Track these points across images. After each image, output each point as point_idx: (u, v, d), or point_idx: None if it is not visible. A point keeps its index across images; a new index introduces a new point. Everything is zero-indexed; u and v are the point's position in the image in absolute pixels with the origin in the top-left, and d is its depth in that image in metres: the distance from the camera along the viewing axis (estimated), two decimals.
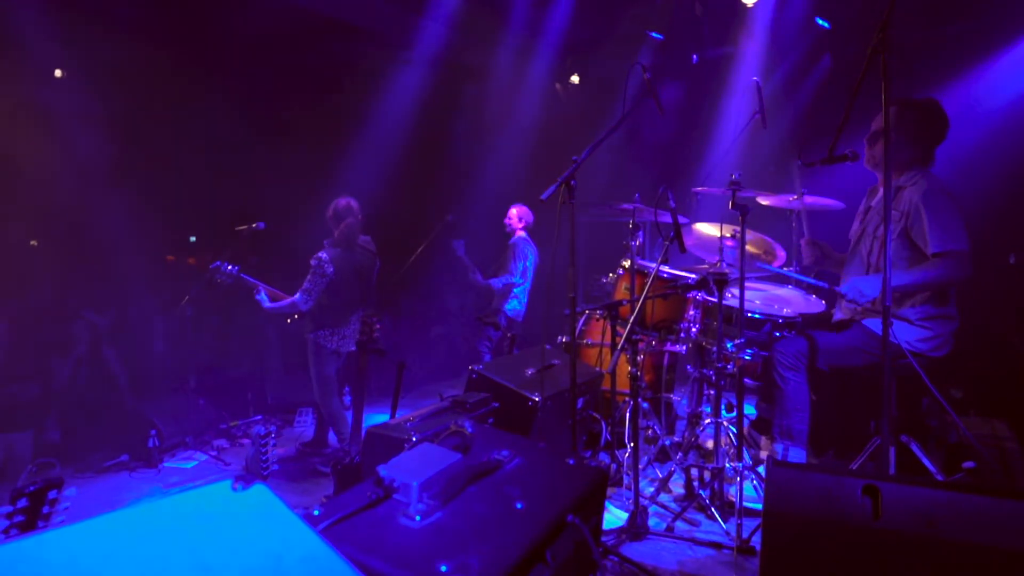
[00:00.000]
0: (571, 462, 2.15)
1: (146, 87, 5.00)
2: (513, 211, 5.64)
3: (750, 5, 5.70)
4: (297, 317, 4.28)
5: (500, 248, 5.73)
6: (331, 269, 3.99)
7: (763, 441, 3.58)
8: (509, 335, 5.20)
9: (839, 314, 3.38)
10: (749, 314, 3.43)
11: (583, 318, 4.26)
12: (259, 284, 4.12)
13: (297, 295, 3.99)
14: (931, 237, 2.93)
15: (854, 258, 3.32)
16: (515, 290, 5.49)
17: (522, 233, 5.62)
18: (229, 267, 4.09)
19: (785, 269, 3.59)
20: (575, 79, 7.31)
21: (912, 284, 2.95)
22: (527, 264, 5.51)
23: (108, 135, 4.81)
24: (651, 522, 2.94)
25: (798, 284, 4.02)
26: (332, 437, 4.39)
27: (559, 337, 4.39)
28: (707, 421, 3.35)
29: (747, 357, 3.08)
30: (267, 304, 4.06)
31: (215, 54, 5.28)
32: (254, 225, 4.43)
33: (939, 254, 2.91)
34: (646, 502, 3.14)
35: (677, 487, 3.38)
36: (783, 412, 3.19)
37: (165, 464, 4.12)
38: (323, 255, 4.01)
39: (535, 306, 5.83)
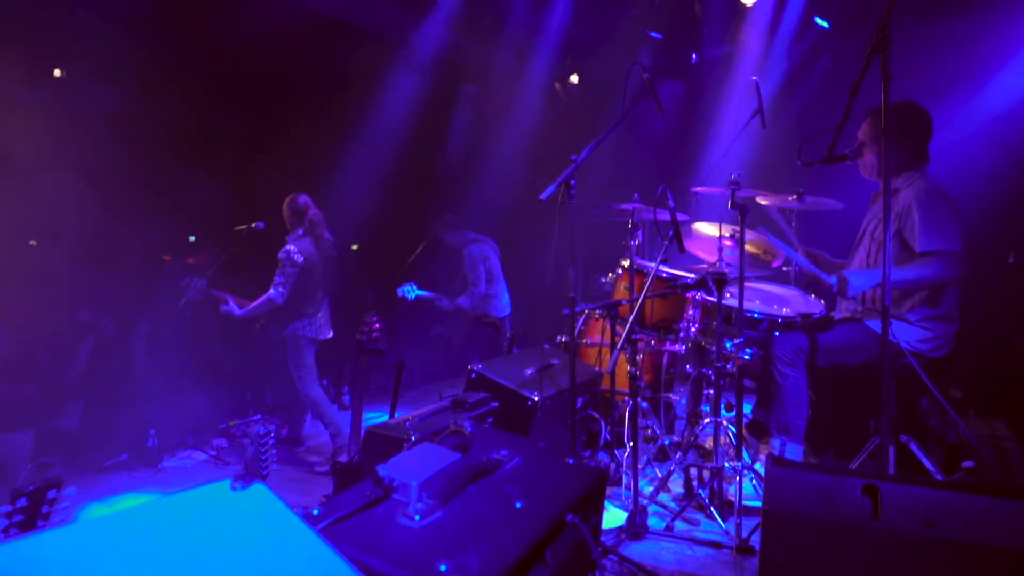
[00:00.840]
0: (570, 462, 2.15)
1: (145, 86, 4.99)
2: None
3: (750, 5, 5.69)
4: (263, 324, 4.35)
5: (502, 248, 5.68)
6: (300, 259, 4.08)
7: (759, 446, 3.59)
8: (508, 335, 5.19)
9: (839, 314, 3.38)
10: (748, 314, 3.44)
11: (582, 318, 4.27)
12: (226, 296, 4.21)
13: (271, 290, 4.05)
14: (920, 236, 2.93)
15: (853, 259, 3.32)
16: (488, 293, 5.37)
17: (470, 239, 5.42)
18: (198, 281, 4.19)
19: (784, 264, 3.59)
20: (575, 79, 7.30)
21: (902, 281, 2.93)
22: (488, 266, 5.36)
23: (107, 134, 4.79)
24: (650, 521, 2.94)
25: (798, 277, 4.02)
26: (306, 437, 4.49)
27: (559, 337, 4.39)
28: (706, 420, 3.36)
29: (746, 357, 3.08)
30: (238, 312, 4.15)
31: (215, 53, 5.28)
32: (254, 225, 4.47)
33: (927, 253, 2.91)
34: (645, 501, 3.14)
35: (676, 486, 3.38)
36: (781, 408, 3.19)
37: (165, 464, 4.13)
38: (290, 247, 4.11)
39: (535, 306, 5.81)
